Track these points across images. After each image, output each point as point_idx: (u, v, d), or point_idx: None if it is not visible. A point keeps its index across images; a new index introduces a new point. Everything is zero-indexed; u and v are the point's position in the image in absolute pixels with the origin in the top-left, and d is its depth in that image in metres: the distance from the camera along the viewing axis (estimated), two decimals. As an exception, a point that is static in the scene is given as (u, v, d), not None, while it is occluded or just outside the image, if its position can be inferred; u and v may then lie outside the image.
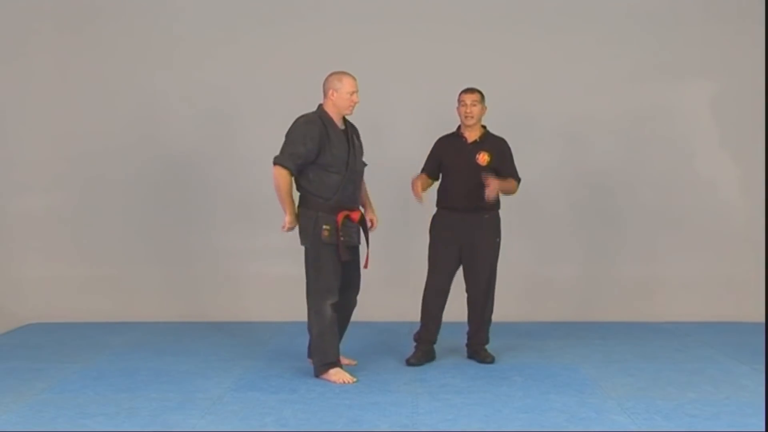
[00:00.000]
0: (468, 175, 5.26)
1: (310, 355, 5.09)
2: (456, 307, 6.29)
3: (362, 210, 5.13)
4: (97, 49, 6.87)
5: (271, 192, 6.67)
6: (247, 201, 6.86)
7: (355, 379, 4.85)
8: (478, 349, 5.39)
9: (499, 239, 5.37)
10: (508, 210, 6.77)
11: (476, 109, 5.29)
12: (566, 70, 6.81)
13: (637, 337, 6.06)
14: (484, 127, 5.42)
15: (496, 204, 5.35)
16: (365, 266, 5.09)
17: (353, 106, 4.96)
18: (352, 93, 4.92)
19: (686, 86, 6.85)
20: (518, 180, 5.41)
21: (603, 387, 4.68)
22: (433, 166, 5.41)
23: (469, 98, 5.31)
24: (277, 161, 4.90)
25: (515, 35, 6.80)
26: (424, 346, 5.36)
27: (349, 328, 5.23)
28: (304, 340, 5.26)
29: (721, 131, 6.86)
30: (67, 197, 6.91)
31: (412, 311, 5.59)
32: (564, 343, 5.89)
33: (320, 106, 4.99)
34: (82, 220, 6.92)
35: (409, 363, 5.26)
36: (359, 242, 5.06)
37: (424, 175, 5.39)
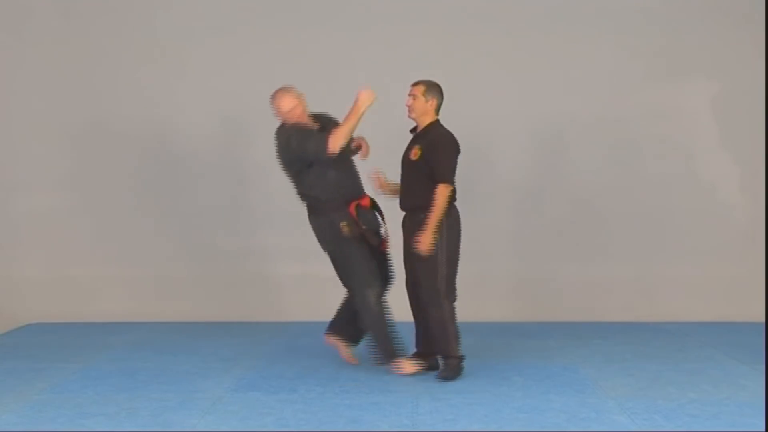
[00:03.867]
0: (406, 171, 4.99)
1: (376, 356, 5.10)
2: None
3: (368, 196, 5.12)
4: (101, 50, 6.88)
5: (271, 192, 6.76)
6: (248, 201, 6.87)
7: (416, 369, 4.93)
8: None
9: (443, 240, 4.83)
10: (509, 210, 6.85)
11: (415, 102, 4.96)
12: (568, 72, 6.81)
13: (637, 338, 6.05)
14: (435, 120, 5.01)
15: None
16: (383, 248, 5.07)
17: (296, 118, 5.03)
18: (288, 111, 5.02)
19: (687, 87, 6.84)
20: (443, 181, 4.79)
21: (603, 387, 4.68)
22: None
23: (410, 90, 5.01)
24: None
25: (514, 37, 6.79)
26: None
27: (349, 328, 5.25)
28: (305, 340, 5.30)
29: (722, 132, 6.85)
30: (69, 198, 6.91)
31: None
32: (564, 343, 5.89)
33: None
34: (83, 221, 6.92)
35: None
36: (381, 224, 5.06)
37: None
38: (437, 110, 5.02)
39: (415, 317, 5.13)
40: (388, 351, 5.00)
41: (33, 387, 4.70)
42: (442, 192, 4.78)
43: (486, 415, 4.16)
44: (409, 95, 5.01)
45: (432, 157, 4.86)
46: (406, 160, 5.00)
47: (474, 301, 6.74)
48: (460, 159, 4.98)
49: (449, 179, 4.84)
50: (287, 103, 5.02)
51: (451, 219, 4.88)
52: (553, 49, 6.80)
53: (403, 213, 5.06)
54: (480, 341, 5.89)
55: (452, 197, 4.90)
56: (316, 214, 4.98)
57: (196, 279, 6.86)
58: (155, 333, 6.28)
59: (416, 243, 4.78)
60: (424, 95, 4.96)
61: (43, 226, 6.92)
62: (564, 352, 5.59)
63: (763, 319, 6.48)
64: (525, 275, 6.87)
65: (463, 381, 4.82)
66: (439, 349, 4.95)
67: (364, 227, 4.91)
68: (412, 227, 4.90)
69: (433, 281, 4.86)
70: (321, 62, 6.77)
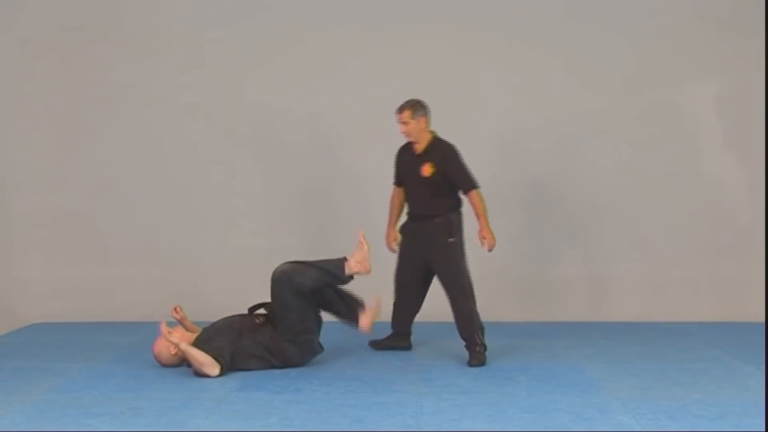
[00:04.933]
0: (417, 186, 5.36)
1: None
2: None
3: None
4: (100, 51, 6.89)
5: (280, 191, 6.75)
6: (250, 201, 6.89)
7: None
8: (466, 348, 5.34)
9: (454, 239, 5.32)
10: (514, 210, 6.85)
11: (409, 127, 5.26)
12: (571, 73, 6.80)
13: (642, 338, 6.05)
14: (433, 134, 5.34)
15: (449, 208, 5.33)
16: None
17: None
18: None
19: (688, 87, 6.84)
20: (472, 187, 5.26)
21: (608, 387, 4.67)
22: (399, 174, 5.52)
23: (398, 118, 5.29)
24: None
25: (515, 37, 6.81)
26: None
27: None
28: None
29: (725, 132, 6.84)
30: (73, 197, 6.93)
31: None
32: (569, 343, 5.88)
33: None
34: (87, 221, 6.93)
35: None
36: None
37: (398, 190, 5.51)
38: (429, 123, 5.32)
39: (398, 300, 5.55)
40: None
41: (38, 386, 4.70)
42: (477, 197, 5.26)
43: (491, 415, 4.16)
44: (400, 123, 5.28)
45: (450, 170, 5.28)
46: (416, 177, 5.31)
47: (479, 301, 6.79)
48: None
49: (477, 184, 5.29)
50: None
51: (461, 221, 5.35)
52: (556, 50, 6.79)
53: (408, 220, 5.48)
54: (485, 341, 5.88)
55: (459, 203, 5.34)
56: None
57: (200, 279, 6.86)
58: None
59: (482, 240, 5.23)
60: (413, 118, 5.26)
61: (48, 226, 6.93)
62: (569, 352, 5.59)
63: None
64: (529, 275, 6.87)
65: (468, 381, 4.83)
66: (467, 337, 5.29)
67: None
68: (418, 231, 5.31)
69: (462, 277, 5.31)
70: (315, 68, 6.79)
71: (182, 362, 5.11)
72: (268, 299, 5.19)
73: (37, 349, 5.74)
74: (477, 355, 5.24)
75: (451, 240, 5.33)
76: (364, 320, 5.16)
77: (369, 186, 6.49)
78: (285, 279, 5.06)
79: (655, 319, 6.65)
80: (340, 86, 6.80)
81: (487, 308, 6.67)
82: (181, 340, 4.99)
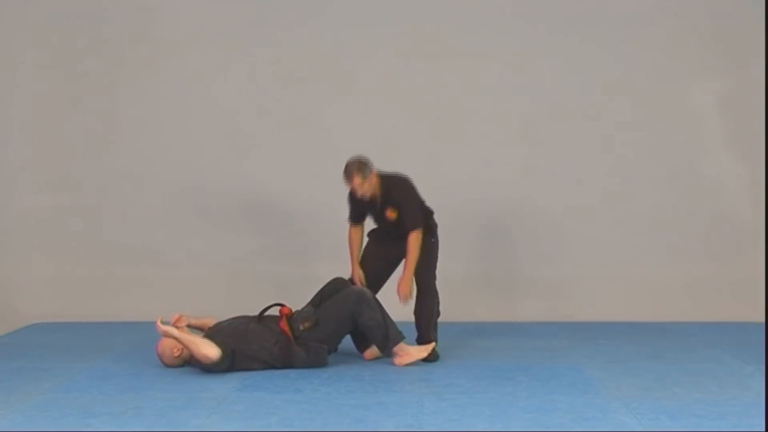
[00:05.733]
0: (386, 225, 5.39)
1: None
2: (461, 309, 6.30)
3: None
4: (101, 50, 6.90)
5: (271, 192, 6.80)
6: (251, 201, 6.90)
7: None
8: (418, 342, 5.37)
9: (434, 239, 5.40)
10: (513, 209, 6.87)
11: (364, 189, 5.23)
12: (569, 71, 6.83)
13: (643, 338, 6.04)
14: (379, 177, 5.30)
15: (425, 219, 5.38)
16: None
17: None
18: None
19: (690, 86, 6.86)
20: (414, 228, 5.25)
21: (608, 387, 4.67)
22: (358, 213, 5.47)
23: (351, 186, 5.25)
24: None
25: (511, 37, 6.85)
26: None
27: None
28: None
29: (725, 132, 6.85)
30: (74, 197, 6.94)
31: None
32: (569, 343, 5.88)
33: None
34: (88, 220, 6.95)
35: None
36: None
37: (355, 228, 5.48)
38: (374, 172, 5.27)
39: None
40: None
41: (38, 387, 4.70)
42: (416, 238, 5.25)
43: (491, 415, 4.16)
44: (357, 189, 5.22)
45: (401, 210, 5.28)
46: (382, 219, 5.39)
47: (480, 301, 6.80)
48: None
49: (420, 225, 5.28)
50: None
51: (436, 227, 5.43)
52: (552, 49, 6.82)
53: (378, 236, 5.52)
54: (485, 341, 5.91)
55: (432, 213, 5.43)
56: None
57: (201, 278, 6.87)
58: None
59: (399, 290, 5.26)
60: (365, 180, 5.22)
61: (49, 225, 6.94)
62: (570, 353, 5.59)
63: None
64: (529, 275, 6.87)
65: (469, 381, 4.83)
66: (423, 333, 5.35)
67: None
68: (397, 234, 5.32)
69: (433, 277, 5.39)
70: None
71: (185, 363, 5.12)
72: (273, 301, 5.23)
73: (38, 349, 5.73)
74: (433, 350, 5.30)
75: (432, 240, 5.40)
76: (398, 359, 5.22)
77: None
78: (355, 297, 5.15)
79: (655, 319, 6.64)
80: (348, 90, 6.85)
81: (487, 308, 6.73)
82: (174, 330, 5.03)
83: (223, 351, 4.94)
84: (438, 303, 5.44)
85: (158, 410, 4.25)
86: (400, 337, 5.18)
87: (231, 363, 4.99)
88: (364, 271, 5.48)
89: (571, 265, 6.89)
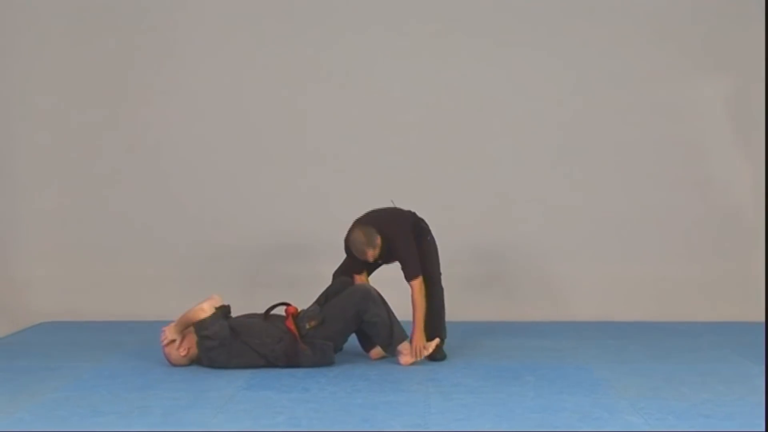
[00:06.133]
0: (373, 267, 5.47)
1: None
2: (468, 308, 6.29)
3: None
4: (106, 47, 6.92)
5: (275, 191, 6.83)
6: (256, 198, 6.91)
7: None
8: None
9: (430, 237, 5.41)
10: (519, 208, 6.87)
11: (376, 254, 5.24)
12: (569, 71, 6.84)
13: (650, 337, 6.04)
14: (381, 238, 5.28)
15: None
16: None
17: None
18: None
19: (691, 87, 6.86)
20: (414, 276, 5.22)
21: (616, 387, 4.67)
22: (350, 270, 5.44)
23: (368, 258, 5.25)
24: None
25: (510, 36, 6.87)
26: None
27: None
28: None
29: (729, 132, 6.84)
30: (81, 194, 6.96)
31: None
32: (576, 343, 5.88)
33: None
34: (95, 218, 6.96)
35: None
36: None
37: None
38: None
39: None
40: None
41: (46, 386, 4.72)
42: (420, 291, 5.21)
43: (498, 415, 4.16)
44: (369, 258, 5.24)
45: (401, 261, 5.28)
46: (377, 266, 5.44)
47: (486, 301, 6.79)
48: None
49: (419, 273, 5.23)
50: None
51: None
52: (553, 50, 6.83)
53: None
54: (492, 341, 5.91)
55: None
56: None
57: (208, 277, 6.84)
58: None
59: (413, 346, 5.18)
60: (374, 249, 5.22)
61: (55, 224, 6.96)
62: (577, 352, 5.59)
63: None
64: (537, 275, 6.87)
65: (476, 380, 4.83)
66: (435, 329, 5.32)
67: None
68: None
69: (437, 269, 5.37)
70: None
71: (192, 362, 5.15)
72: (282, 300, 5.24)
73: (45, 348, 5.75)
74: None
75: (428, 238, 5.40)
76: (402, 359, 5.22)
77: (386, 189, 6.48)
78: (360, 295, 5.15)
79: (662, 319, 6.64)
80: (360, 90, 6.89)
81: (494, 307, 6.72)
82: (173, 336, 5.12)
83: (217, 310, 5.02)
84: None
85: (165, 409, 4.27)
86: (404, 336, 5.19)
87: (229, 342, 5.01)
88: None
89: (577, 265, 6.88)
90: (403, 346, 5.17)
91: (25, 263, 6.97)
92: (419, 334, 5.20)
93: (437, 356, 5.30)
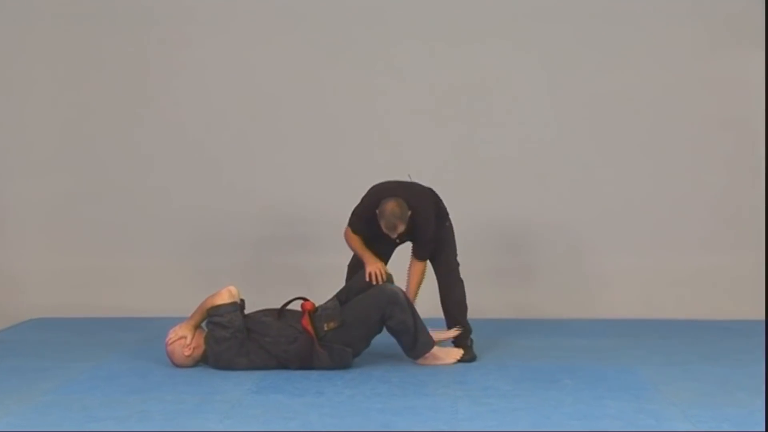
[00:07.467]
0: (387, 245, 5.41)
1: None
2: (498, 304, 6.26)
3: None
4: (101, 37, 7.02)
5: (282, 185, 6.96)
6: (259, 192, 6.97)
7: None
8: (456, 342, 5.37)
9: (449, 223, 5.41)
10: (552, 200, 6.84)
11: (402, 230, 5.21)
12: (570, 68, 6.90)
13: (700, 337, 6.00)
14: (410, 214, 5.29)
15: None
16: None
17: None
18: None
19: (691, 82, 6.87)
20: (426, 258, 5.32)
21: (663, 391, 4.60)
22: (364, 230, 5.33)
23: (399, 232, 5.20)
24: None
25: (510, 36, 6.93)
26: None
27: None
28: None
29: (730, 133, 6.84)
30: (75, 184, 7.03)
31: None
32: (616, 342, 5.85)
33: None
34: (89, 209, 7.03)
35: None
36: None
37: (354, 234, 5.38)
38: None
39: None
40: None
41: (37, 387, 4.70)
42: (423, 270, 5.34)
43: (533, 422, 4.10)
44: (397, 232, 5.20)
45: (418, 241, 5.35)
46: (392, 242, 5.38)
47: (519, 297, 6.78)
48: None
49: (428, 257, 5.35)
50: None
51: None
52: (552, 48, 6.90)
53: None
54: (525, 340, 5.88)
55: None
56: None
57: (213, 272, 6.85)
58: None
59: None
60: (404, 224, 5.18)
61: (46, 215, 7.03)
62: (618, 352, 5.54)
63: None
64: (575, 269, 6.87)
65: (508, 384, 4.78)
66: (461, 321, 5.36)
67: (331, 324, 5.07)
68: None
69: (455, 258, 5.40)
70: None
71: (196, 363, 5.12)
72: (292, 296, 5.21)
73: (36, 347, 5.76)
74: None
75: (447, 224, 5.39)
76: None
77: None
78: (386, 298, 5.07)
79: (714, 317, 6.58)
80: (367, 88, 6.96)
81: (525, 304, 6.70)
82: (184, 333, 5.11)
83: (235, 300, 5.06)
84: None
85: (167, 414, 4.23)
86: (428, 347, 5.14)
87: (241, 335, 4.99)
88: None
89: (614, 257, 6.86)
90: (428, 355, 5.16)
91: (14, 255, 7.01)
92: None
93: (466, 357, 5.26)
